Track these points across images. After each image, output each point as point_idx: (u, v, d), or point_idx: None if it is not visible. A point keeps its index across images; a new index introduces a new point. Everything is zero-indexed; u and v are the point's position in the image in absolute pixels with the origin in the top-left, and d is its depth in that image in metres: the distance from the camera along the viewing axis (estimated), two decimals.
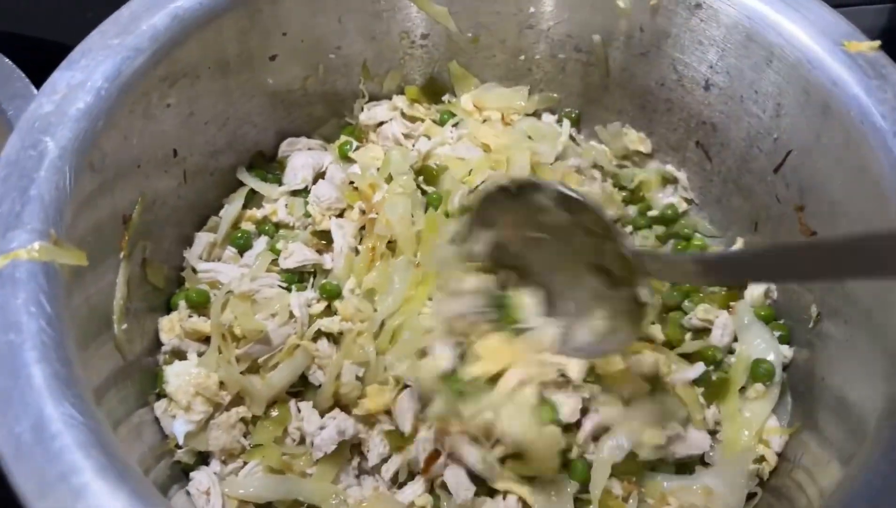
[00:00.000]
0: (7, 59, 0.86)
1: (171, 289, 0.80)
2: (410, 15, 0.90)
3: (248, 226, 0.87)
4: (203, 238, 0.84)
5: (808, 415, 0.73)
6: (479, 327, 0.68)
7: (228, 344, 0.73)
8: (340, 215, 0.85)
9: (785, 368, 0.78)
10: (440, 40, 0.93)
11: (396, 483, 0.71)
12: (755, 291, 0.82)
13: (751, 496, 0.71)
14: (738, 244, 0.87)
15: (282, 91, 0.89)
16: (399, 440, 0.71)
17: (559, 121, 0.96)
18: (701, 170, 0.91)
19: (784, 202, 0.80)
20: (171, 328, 0.76)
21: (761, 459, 0.73)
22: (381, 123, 0.93)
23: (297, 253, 0.81)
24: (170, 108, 0.76)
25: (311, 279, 0.82)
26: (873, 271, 0.45)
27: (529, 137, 0.90)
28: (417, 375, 0.69)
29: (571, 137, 0.94)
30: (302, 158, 0.90)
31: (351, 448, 0.73)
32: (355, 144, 0.92)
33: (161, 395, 0.73)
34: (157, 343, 0.76)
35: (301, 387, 0.75)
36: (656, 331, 0.78)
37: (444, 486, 0.69)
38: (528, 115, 0.95)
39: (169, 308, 0.79)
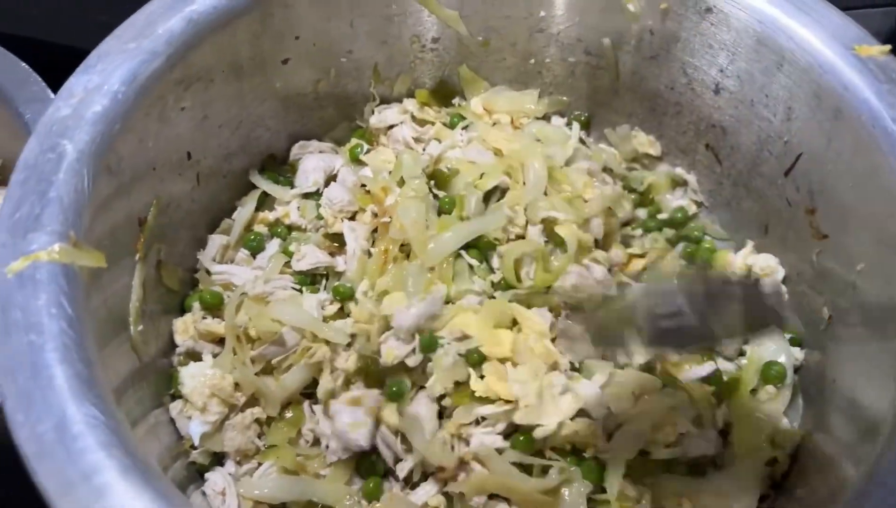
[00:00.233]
0: (24, 64, 0.86)
1: (185, 291, 0.81)
2: (422, 19, 0.91)
3: (260, 228, 0.87)
4: (216, 240, 0.84)
5: (820, 417, 0.73)
6: None
7: (243, 345, 0.73)
8: (352, 218, 0.85)
9: (796, 370, 0.79)
10: (451, 44, 0.94)
11: (410, 483, 0.72)
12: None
13: (763, 497, 0.71)
14: (749, 247, 0.87)
15: (294, 94, 0.89)
16: None
17: (569, 124, 0.96)
18: (711, 173, 0.92)
19: (795, 205, 0.80)
20: (185, 329, 0.77)
21: (773, 461, 0.73)
22: (391, 127, 0.94)
23: (309, 255, 0.81)
24: (184, 111, 0.76)
25: (324, 282, 0.82)
26: None
27: (538, 141, 0.90)
28: None
29: (581, 140, 0.94)
30: (313, 161, 0.90)
31: None
32: (366, 147, 0.92)
33: (176, 396, 0.73)
34: (172, 345, 0.77)
35: (314, 388, 0.75)
36: None
37: None
38: (537, 118, 0.96)
39: (183, 310, 0.80)
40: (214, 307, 0.78)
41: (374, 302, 0.74)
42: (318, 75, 0.90)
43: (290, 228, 0.87)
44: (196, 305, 0.78)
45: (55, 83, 0.71)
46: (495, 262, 0.80)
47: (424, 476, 0.71)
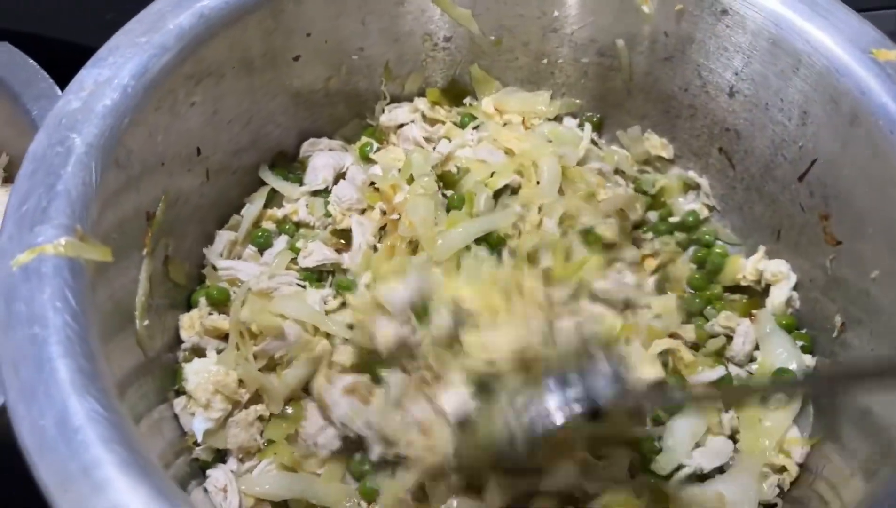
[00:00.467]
0: (31, 60, 0.87)
1: (192, 286, 0.81)
2: (434, 17, 0.90)
3: (268, 225, 0.87)
4: (224, 236, 0.84)
5: (831, 427, 0.72)
6: None
7: (246, 341, 0.73)
8: (361, 216, 0.85)
9: None
10: (463, 43, 0.93)
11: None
12: (777, 299, 0.82)
13: (771, 506, 0.71)
14: (760, 253, 0.86)
15: (304, 91, 0.89)
16: None
17: (580, 125, 0.96)
18: (723, 177, 0.91)
19: (808, 211, 0.79)
20: (191, 325, 0.76)
21: (782, 469, 0.72)
22: (401, 125, 0.93)
23: (316, 252, 0.81)
24: (194, 106, 0.76)
25: (330, 278, 0.82)
26: None
27: (550, 141, 0.90)
28: None
29: (593, 142, 0.93)
30: (323, 159, 0.90)
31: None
32: (376, 145, 0.92)
33: (180, 392, 0.73)
34: (178, 340, 0.77)
35: None
36: (688, 331, 0.78)
37: None
38: (549, 119, 0.95)
39: (189, 305, 0.80)
40: (221, 303, 0.78)
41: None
42: (329, 72, 0.89)
43: (299, 225, 0.87)
44: (202, 300, 0.78)
45: (63, 80, 0.72)
46: (506, 259, 0.78)
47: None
